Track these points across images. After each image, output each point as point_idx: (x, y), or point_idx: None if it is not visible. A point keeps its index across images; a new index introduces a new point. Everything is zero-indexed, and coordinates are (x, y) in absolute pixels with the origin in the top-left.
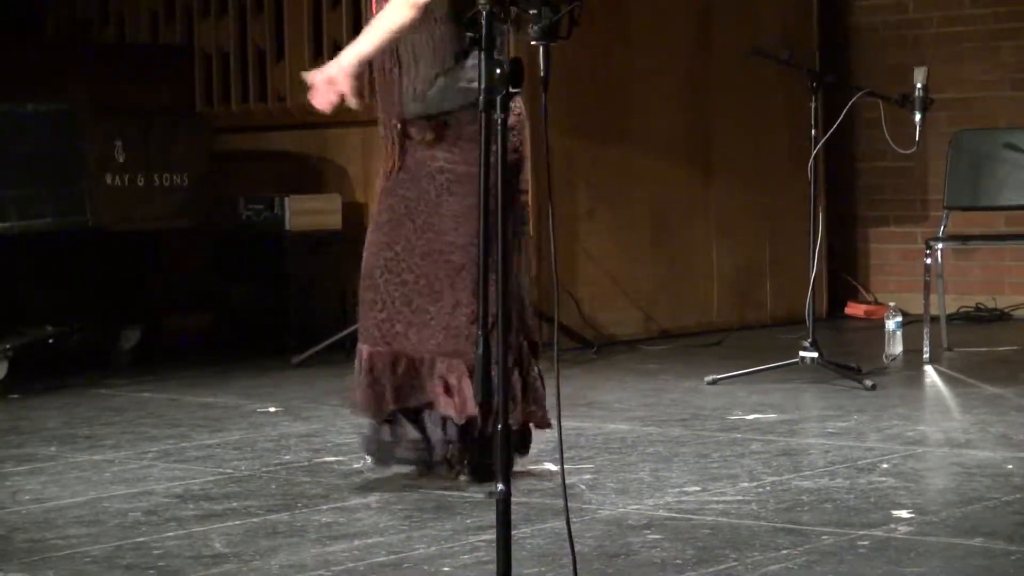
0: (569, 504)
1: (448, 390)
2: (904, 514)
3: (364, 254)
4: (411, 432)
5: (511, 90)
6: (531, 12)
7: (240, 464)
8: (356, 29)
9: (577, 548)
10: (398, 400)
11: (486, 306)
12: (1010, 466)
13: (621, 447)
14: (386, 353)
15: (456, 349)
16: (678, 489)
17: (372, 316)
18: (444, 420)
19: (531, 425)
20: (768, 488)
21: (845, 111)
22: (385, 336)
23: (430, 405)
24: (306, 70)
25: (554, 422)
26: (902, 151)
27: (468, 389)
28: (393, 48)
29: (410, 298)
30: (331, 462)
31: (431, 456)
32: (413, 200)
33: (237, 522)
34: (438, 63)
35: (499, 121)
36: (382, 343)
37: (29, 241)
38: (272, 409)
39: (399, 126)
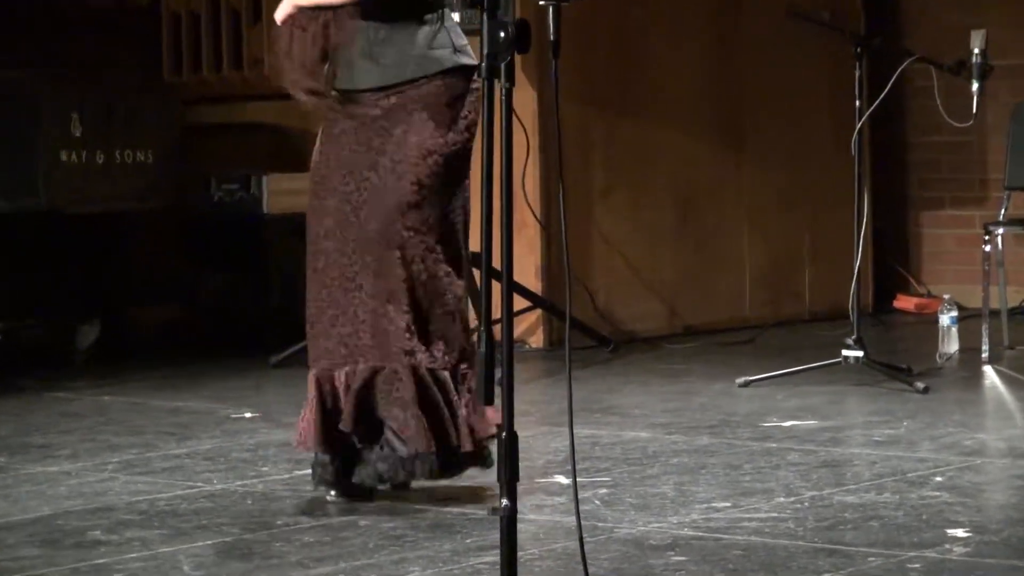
0: (583, 522)
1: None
2: (960, 533)
3: (310, 267)
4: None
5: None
6: None
7: (212, 477)
8: None
9: (591, 571)
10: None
11: (489, 302)
12: None
13: (641, 458)
14: (356, 370)
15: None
16: (706, 505)
17: (335, 332)
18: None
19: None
20: (807, 504)
21: (894, 79)
22: (352, 351)
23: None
24: None
25: (566, 429)
26: (958, 124)
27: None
28: None
29: (369, 304)
30: None
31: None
32: (354, 191)
33: (208, 542)
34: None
35: (504, 91)
36: (348, 359)
37: None
38: (248, 415)
39: (336, 96)
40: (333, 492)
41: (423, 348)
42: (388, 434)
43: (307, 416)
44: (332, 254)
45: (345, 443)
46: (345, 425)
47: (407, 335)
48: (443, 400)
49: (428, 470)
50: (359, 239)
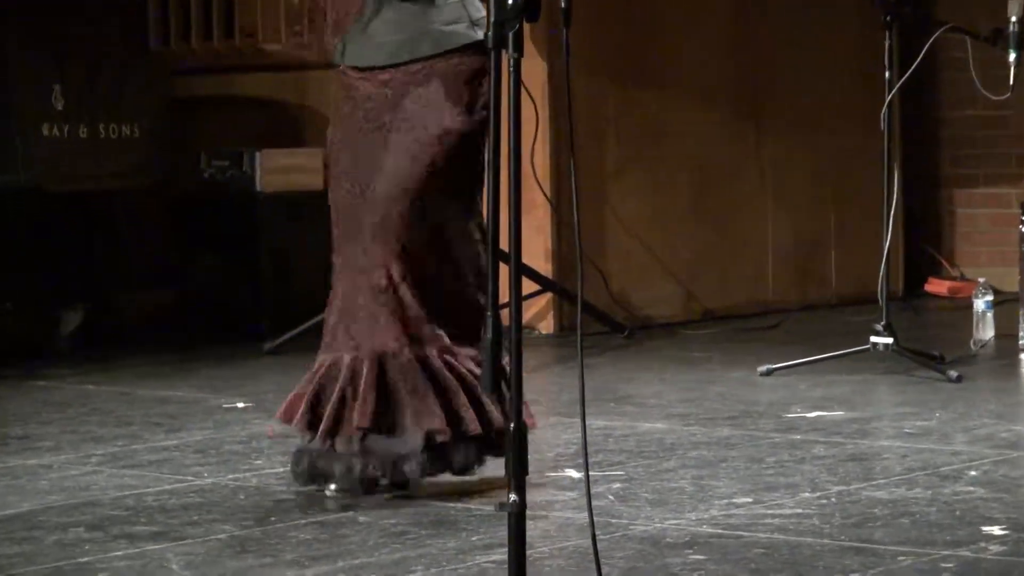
0: (595, 518)
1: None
2: (996, 530)
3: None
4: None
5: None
6: None
7: (202, 470)
8: None
9: (605, 571)
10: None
11: (496, 287)
12: None
13: (657, 450)
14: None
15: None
16: (726, 501)
17: (342, 321)
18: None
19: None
20: (833, 500)
21: (925, 50)
22: (357, 339)
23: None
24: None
25: (577, 420)
26: (994, 97)
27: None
28: None
29: (380, 288)
30: None
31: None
32: (363, 172)
33: (198, 540)
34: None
35: (512, 62)
36: (354, 348)
37: None
38: (240, 405)
39: (345, 76)
40: (333, 486)
41: (438, 336)
42: (402, 421)
43: (299, 390)
44: (338, 239)
45: (324, 431)
46: (361, 417)
47: (422, 322)
48: (460, 386)
49: (421, 468)
50: (364, 222)
